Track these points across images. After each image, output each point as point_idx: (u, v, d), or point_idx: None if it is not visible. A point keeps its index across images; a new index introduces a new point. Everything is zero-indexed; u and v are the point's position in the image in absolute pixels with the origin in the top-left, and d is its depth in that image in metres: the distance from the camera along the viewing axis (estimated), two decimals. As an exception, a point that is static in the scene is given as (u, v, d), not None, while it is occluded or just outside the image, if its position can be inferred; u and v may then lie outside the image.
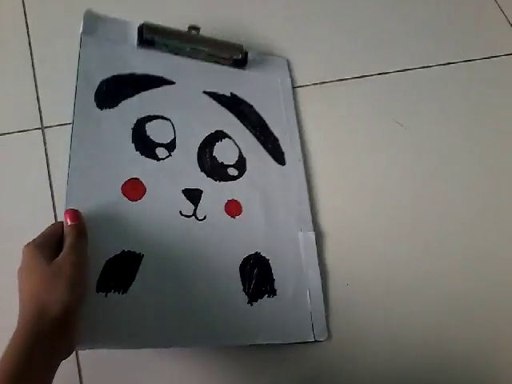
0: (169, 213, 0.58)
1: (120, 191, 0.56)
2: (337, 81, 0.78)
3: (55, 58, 0.68)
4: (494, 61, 0.84)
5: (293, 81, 0.75)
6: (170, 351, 0.54)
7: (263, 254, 0.60)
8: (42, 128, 0.66)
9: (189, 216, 0.58)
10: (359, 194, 0.69)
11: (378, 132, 0.75)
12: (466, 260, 0.68)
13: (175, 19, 0.68)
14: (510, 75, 0.83)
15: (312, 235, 0.63)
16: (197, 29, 0.69)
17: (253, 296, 0.57)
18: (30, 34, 0.69)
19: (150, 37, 0.66)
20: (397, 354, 0.60)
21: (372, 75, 0.79)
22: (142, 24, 0.66)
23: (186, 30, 0.69)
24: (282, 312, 0.58)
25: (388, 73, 0.80)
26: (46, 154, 0.64)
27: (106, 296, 0.51)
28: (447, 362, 0.61)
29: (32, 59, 0.68)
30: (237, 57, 0.71)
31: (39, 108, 0.66)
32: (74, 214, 0.52)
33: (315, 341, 0.58)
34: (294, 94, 0.74)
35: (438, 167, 0.74)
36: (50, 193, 0.62)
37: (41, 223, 0.55)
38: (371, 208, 0.69)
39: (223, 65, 0.70)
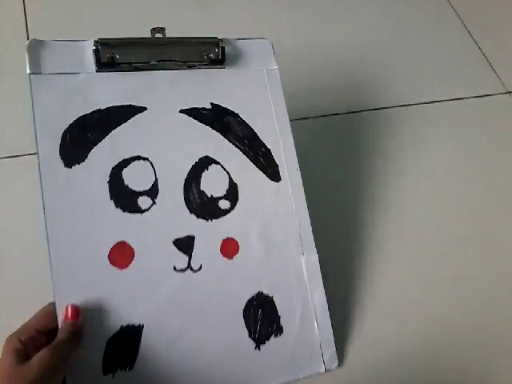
0: (162, 272, 0.55)
1: (107, 262, 0.54)
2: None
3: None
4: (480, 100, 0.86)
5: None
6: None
7: (266, 292, 0.59)
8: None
9: (183, 270, 0.56)
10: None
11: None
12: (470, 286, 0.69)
13: (136, 26, 0.59)
14: (491, 115, 0.85)
15: (315, 258, 0.61)
16: (161, 29, 0.59)
17: (259, 339, 0.57)
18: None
19: (110, 57, 0.57)
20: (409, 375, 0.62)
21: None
22: (97, 43, 0.57)
23: (149, 34, 0.59)
24: (290, 348, 0.58)
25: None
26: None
27: (113, 377, 0.52)
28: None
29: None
30: (213, 54, 0.61)
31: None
32: (76, 312, 0.51)
33: (326, 370, 0.59)
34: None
35: (426, 196, 0.75)
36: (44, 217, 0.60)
37: (33, 249, 0.56)
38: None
39: (199, 68, 0.61)
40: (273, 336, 0.58)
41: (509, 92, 0.88)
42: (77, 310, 0.51)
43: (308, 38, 0.82)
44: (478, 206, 0.76)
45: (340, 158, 0.74)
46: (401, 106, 0.81)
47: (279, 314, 0.59)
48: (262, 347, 0.57)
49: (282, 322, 0.58)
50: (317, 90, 0.78)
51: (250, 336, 0.57)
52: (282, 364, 0.58)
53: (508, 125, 0.84)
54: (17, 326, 0.49)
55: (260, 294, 0.58)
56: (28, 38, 0.63)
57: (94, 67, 0.57)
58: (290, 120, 0.63)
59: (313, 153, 0.73)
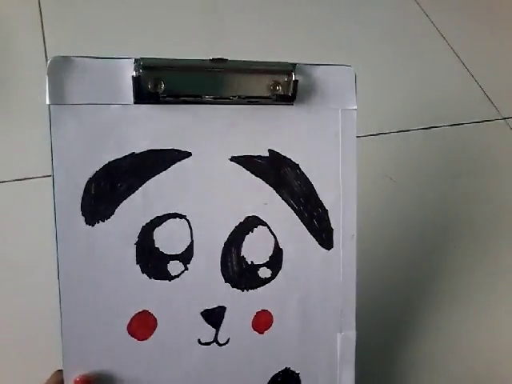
0: (185, 345, 0.50)
1: (126, 332, 0.48)
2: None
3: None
4: (471, 126, 0.86)
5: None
6: None
7: (293, 369, 0.54)
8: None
9: (209, 343, 0.51)
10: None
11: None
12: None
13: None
14: (483, 140, 0.85)
15: (353, 335, 0.56)
16: (223, 61, 0.46)
17: (279, 417, 0.54)
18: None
19: (153, 85, 0.45)
20: None
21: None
22: (139, 65, 0.44)
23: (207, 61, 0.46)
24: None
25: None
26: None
27: None
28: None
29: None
30: (282, 90, 0.49)
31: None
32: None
33: None
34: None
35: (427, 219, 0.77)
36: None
37: (45, 268, 0.53)
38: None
39: (260, 104, 0.49)
40: None
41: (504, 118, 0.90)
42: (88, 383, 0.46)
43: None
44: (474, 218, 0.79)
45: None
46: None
47: (303, 391, 0.55)
48: None
49: (305, 400, 0.55)
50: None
51: None
52: None
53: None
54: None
55: (286, 370, 0.54)
56: (46, 49, 0.50)
57: (131, 97, 0.45)
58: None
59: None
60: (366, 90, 0.73)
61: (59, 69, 0.42)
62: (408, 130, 0.83)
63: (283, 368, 0.53)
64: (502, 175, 0.83)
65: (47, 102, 0.42)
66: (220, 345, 0.51)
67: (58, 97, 0.43)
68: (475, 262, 0.74)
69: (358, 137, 0.61)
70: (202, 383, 0.51)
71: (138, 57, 0.44)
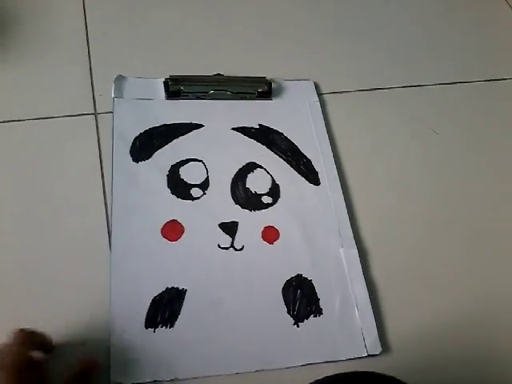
0: (207, 247, 0.66)
1: (160, 234, 0.65)
2: (365, 90, 0.85)
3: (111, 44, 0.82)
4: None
5: (321, 99, 0.82)
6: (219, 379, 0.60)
7: (305, 275, 0.65)
8: (95, 114, 0.74)
9: (227, 248, 0.66)
10: (397, 204, 0.74)
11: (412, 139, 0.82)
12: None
13: (199, 70, 0.79)
14: None
15: (354, 251, 0.68)
16: (220, 75, 0.79)
17: (298, 317, 0.63)
18: (87, 23, 0.83)
19: (176, 88, 0.77)
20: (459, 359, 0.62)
21: (404, 87, 0.88)
22: (167, 79, 0.77)
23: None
24: (330, 330, 0.62)
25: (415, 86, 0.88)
26: (98, 139, 0.72)
27: (154, 332, 0.59)
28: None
29: (88, 45, 0.81)
30: (262, 89, 0.79)
31: (93, 94, 0.76)
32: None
33: (369, 355, 0.62)
34: (324, 110, 0.81)
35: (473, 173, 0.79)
36: (100, 174, 0.69)
37: (91, 204, 0.66)
38: (409, 215, 0.74)
39: (249, 99, 0.79)
40: (312, 316, 0.63)
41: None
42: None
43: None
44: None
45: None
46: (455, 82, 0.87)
47: (318, 296, 0.64)
48: (300, 325, 0.62)
49: (322, 305, 0.64)
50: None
51: (288, 313, 0.63)
52: (322, 344, 0.61)
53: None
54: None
55: (299, 276, 0.65)
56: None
57: (164, 96, 0.76)
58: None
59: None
60: (413, 41, 0.89)
61: (120, 81, 0.76)
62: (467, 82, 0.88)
63: (296, 274, 0.66)
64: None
65: (112, 96, 0.75)
66: (236, 250, 0.66)
67: (119, 94, 0.75)
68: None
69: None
70: (224, 281, 0.64)
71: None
